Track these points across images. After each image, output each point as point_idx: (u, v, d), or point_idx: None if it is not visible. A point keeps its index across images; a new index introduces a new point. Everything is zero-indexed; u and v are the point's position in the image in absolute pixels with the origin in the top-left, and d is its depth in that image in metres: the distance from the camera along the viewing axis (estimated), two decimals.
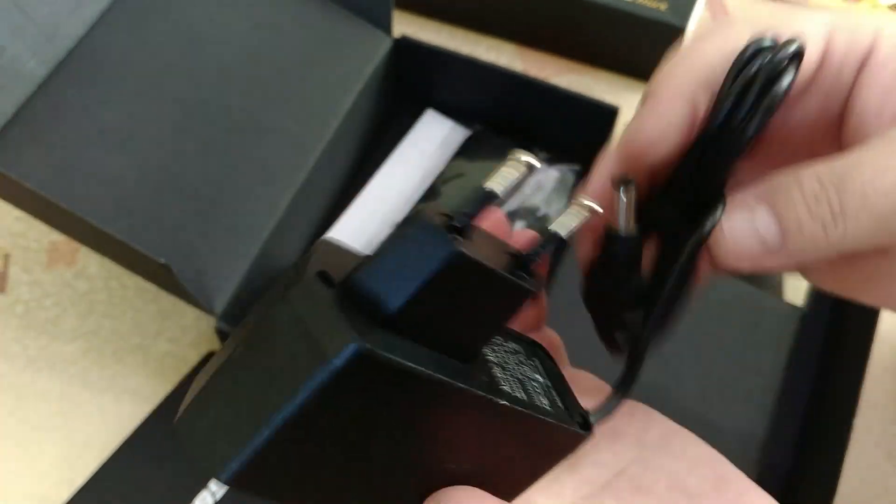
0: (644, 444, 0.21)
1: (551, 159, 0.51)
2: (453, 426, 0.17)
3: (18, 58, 0.38)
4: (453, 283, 0.15)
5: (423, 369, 0.15)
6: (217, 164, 0.42)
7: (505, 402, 0.17)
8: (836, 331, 0.44)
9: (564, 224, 0.17)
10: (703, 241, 0.19)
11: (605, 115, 0.47)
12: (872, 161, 0.18)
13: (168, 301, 0.47)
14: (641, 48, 0.54)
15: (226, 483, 0.14)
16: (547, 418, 0.18)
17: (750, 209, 0.20)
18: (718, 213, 0.19)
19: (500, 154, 0.51)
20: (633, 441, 0.22)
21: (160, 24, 0.43)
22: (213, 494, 0.41)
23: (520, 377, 0.18)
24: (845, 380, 0.40)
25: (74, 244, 0.49)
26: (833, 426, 0.39)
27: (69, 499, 0.41)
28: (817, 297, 0.46)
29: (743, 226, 0.20)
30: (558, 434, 0.18)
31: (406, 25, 0.58)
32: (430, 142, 0.52)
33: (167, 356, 0.46)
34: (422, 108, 0.53)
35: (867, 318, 0.40)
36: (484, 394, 0.16)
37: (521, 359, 0.20)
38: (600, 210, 0.17)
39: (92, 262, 0.49)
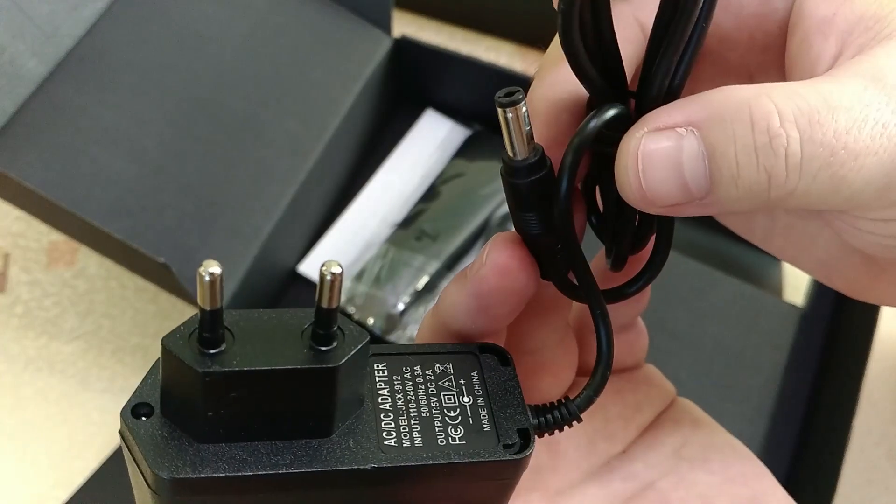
0: (681, 457, 0.20)
1: None
2: (341, 500, 0.16)
3: (18, 58, 0.38)
4: (229, 392, 0.15)
5: (242, 474, 0.15)
6: (217, 164, 0.42)
7: (373, 466, 0.16)
8: (836, 331, 0.44)
9: (322, 294, 0.15)
10: (582, 143, 0.16)
11: None
12: (849, 107, 0.14)
13: (168, 301, 0.47)
14: None
15: None
16: (442, 460, 0.16)
17: (676, 138, 0.14)
18: (612, 111, 0.16)
19: (499, 154, 0.51)
20: (669, 453, 0.20)
21: (160, 24, 0.43)
22: None
23: (425, 415, 0.17)
24: (845, 380, 0.40)
25: (74, 244, 0.49)
26: (833, 426, 0.39)
27: (69, 499, 0.41)
28: (817, 297, 0.46)
29: (662, 161, 0.14)
30: (479, 468, 0.16)
31: (406, 25, 0.58)
32: (429, 142, 0.52)
33: None
34: (422, 108, 0.53)
35: (867, 318, 0.41)
36: (336, 468, 0.16)
37: (445, 383, 0.18)
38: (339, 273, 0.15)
39: (92, 261, 0.49)
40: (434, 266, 0.45)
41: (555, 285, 0.18)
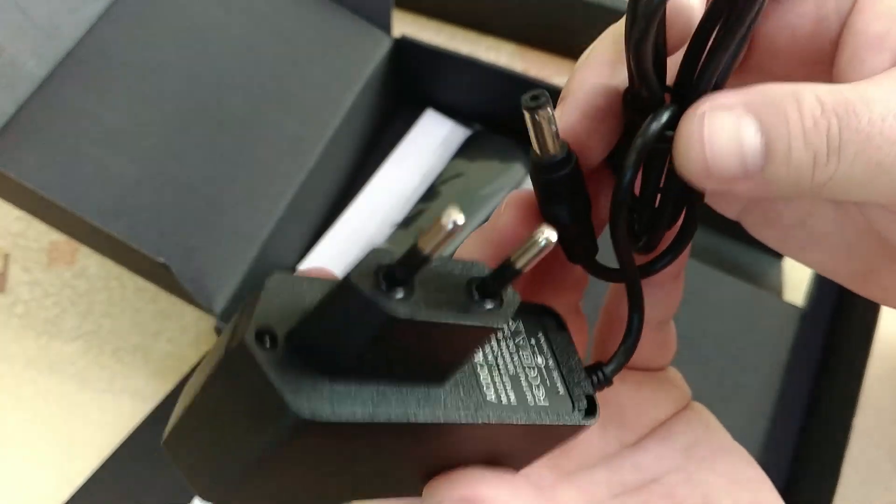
0: (690, 455, 0.21)
1: None
2: (435, 444, 0.17)
3: (18, 58, 0.38)
4: (399, 338, 0.14)
5: (376, 420, 0.15)
6: (217, 164, 0.42)
7: (484, 422, 0.16)
8: (836, 331, 0.44)
9: (523, 257, 0.15)
10: (646, 144, 0.17)
11: None
12: (885, 100, 0.15)
13: (168, 301, 0.47)
14: None
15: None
16: (538, 421, 0.17)
17: (736, 116, 0.16)
18: (667, 113, 0.17)
19: (500, 154, 0.51)
20: (679, 450, 0.21)
21: (160, 24, 0.43)
22: None
23: (512, 372, 0.18)
24: (845, 380, 0.40)
25: (74, 244, 0.49)
26: (833, 426, 0.39)
27: (69, 499, 0.41)
28: (817, 297, 0.46)
29: (724, 134, 0.16)
30: (556, 429, 0.18)
31: (406, 25, 0.58)
32: (429, 142, 0.52)
33: (167, 356, 0.46)
34: (422, 108, 0.53)
35: (867, 318, 0.41)
36: (456, 420, 0.16)
37: (520, 341, 0.18)
38: (555, 241, 0.15)
39: (92, 261, 0.49)
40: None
41: (585, 268, 0.19)
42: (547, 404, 0.17)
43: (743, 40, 0.16)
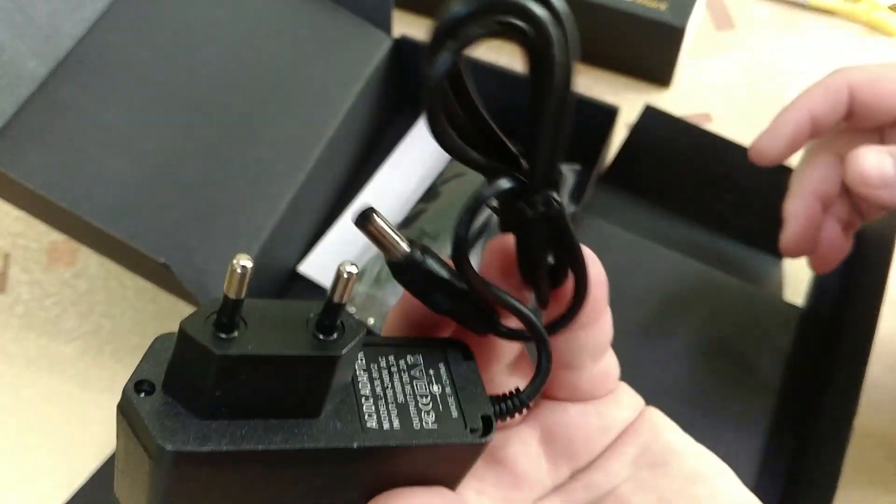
0: (641, 464, 0.21)
1: None
2: (327, 472, 0.18)
3: (18, 58, 0.38)
4: (241, 374, 0.16)
5: (241, 449, 0.16)
6: (217, 164, 0.42)
7: (359, 445, 0.17)
8: (836, 331, 0.44)
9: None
10: (471, 205, 0.18)
11: (605, 115, 0.47)
12: None
13: (168, 301, 0.47)
14: (641, 48, 0.54)
15: None
16: (420, 442, 0.18)
17: (882, 154, 0.30)
18: (502, 184, 0.18)
19: None
20: (629, 461, 0.21)
21: (160, 24, 0.43)
22: None
23: (401, 401, 0.19)
24: (845, 380, 0.40)
25: (74, 244, 0.49)
26: (833, 426, 0.39)
27: (69, 499, 0.41)
28: (817, 297, 0.46)
29: (873, 160, 0.30)
30: (446, 449, 0.18)
31: (406, 25, 0.58)
32: (430, 142, 0.52)
33: None
34: (422, 108, 0.53)
35: (867, 318, 0.40)
36: (325, 446, 0.17)
37: (416, 373, 0.19)
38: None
39: (92, 262, 0.49)
40: None
41: (494, 335, 0.20)
42: (435, 427, 0.18)
43: (558, 122, 0.18)
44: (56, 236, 0.50)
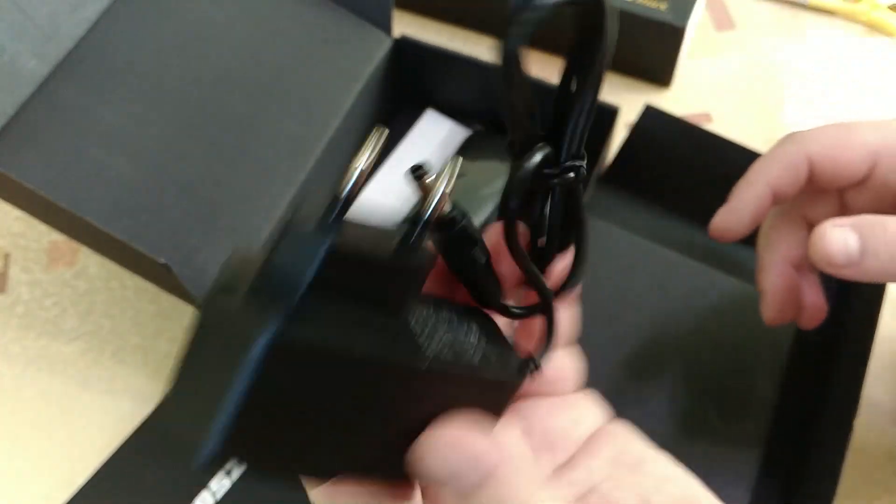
0: (619, 463, 0.23)
1: None
2: (393, 387, 0.18)
3: (18, 58, 0.38)
4: (340, 275, 0.17)
5: (333, 345, 0.17)
6: (217, 164, 0.42)
7: (427, 358, 0.18)
8: (836, 331, 0.44)
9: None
10: (522, 180, 0.20)
11: (605, 115, 0.47)
12: None
13: (168, 301, 0.47)
14: (641, 48, 0.54)
15: (203, 469, 0.17)
16: (476, 372, 0.19)
17: (845, 230, 0.28)
18: (540, 154, 0.20)
19: (500, 154, 0.51)
20: (608, 461, 0.23)
21: (160, 24, 0.43)
22: (213, 494, 0.41)
23: (448, 342, 0.20)
24: (845, 380, 0.40)
25: (74, 244, 0.49)
26: (833, 426, 0.39)
27: (69, 499, 0.41)
28: None
29: (838, 239, 0.28)
30: (494, 385, 0.20)
31: (406, 25, 0.58)
32: (430, 142, 0.52)
33: (167, 356, 0.46)
34: (422, 108, 0.53)
35: (867, 318, 0.40)
36: (407, 359, 0.18)
37: (455, 326, 0.21)
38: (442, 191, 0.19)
39: (92, 262, 0.49)
40: None
41: (495, 311, 0.22)
42: (481, 364, 0.20)
43: (595, 92, 0.21)
44: (56, 236, 0.50)
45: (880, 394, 0.43)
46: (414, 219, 0.18)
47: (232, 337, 0.16)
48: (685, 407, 0.42)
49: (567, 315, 0.24)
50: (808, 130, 0.35)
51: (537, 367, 0.22)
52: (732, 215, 0.35)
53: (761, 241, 0.37)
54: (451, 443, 0.19)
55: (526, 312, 0.22)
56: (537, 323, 0.23)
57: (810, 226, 0.32)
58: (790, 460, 0.41)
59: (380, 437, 0.19)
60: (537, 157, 0.20)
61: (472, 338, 0.21)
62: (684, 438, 0.41)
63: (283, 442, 0.17)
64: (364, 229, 0.18)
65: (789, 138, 0.35)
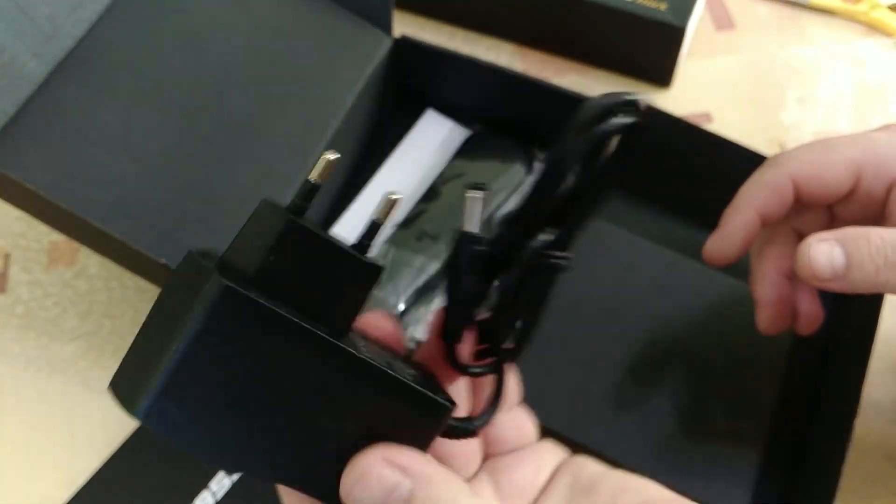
0: (575, 490, 0.24)
1: None
2: (326, 377, 0.19)
3: (18, 58, 0.38)
4: (295, 251, 0.18)
5: (282, 312, 0.18)
6: (217, 165, 0.42)
7: (365, 357, 0.19)
8: (837, 331, 0.44)
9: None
10: (534, 259, 0.21)
11: None
12: None
13: None
14: (641, 48, 0.54)
15: (144, 420, 0.17)
16: (410, 382, 0.20)
17: (830, 244, 0.29)
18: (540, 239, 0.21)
19: (500, 154, 0.51)
20: (564, 490, 0.24)
21: (160, 24, 0.43)
22: (213, 494, 0.41)
23: (384, 358, 0.20)
24: (845, 380, 0.40)
25: (74, 244, 0.49)
26: (833, 426, 0.39)
27: (69, 499, 0.41)
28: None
29: (822, 253, 0.29)
30: (424, 402, 0.20)
31: (406, 25, 0.58)
32: (430, 142, 0.52)
33: None
34: (422, 108, 0.53)
35: (867, 318, 0.40)
36: (344, 346, 0.18)
37: (392, 355, 0.22)
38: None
39: (92, 262, 0.49)
40: (435, 266, 0.45)
41: (446, 353, 0.23)
42: (413, 381, 0.20)
43: (607, 195, 0.22)
44: (56, 236, 0.50)
45: (880, 394, 0.43)
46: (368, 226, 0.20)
47: (186, 295, 0.17)
48: (685, 407, 0.42)
49: (514, 378, 0.25)
50: (790, 151, 0.35)
51: (473, 429, 0.22)
52: (723, 242, 0.36)
53: (754, 253, 0.38)
54: (375, 474, 0.19)
55: (481, 372, 0.23)
56: (485, 383, 0.24)
57: (801, 237, 0.32)
58: (790, 460, 0.41)
59: (308, 444, 0.19)
60: (547, 239, 0.21)
61: (407, 369, 0.21)
62: (684, 439, 0.41)
63: (213, 420, 0.18)
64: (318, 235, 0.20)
65: (772, 161, 0.36)
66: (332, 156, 0.19)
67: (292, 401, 0.18)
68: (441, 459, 0.22)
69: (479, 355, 0.23)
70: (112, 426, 0.44)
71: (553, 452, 0.26)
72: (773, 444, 0.41)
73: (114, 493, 0.41)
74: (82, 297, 0.48)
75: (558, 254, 0.21)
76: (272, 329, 0.18)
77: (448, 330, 0.22)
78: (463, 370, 0.23)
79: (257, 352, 0.18)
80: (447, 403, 0.21)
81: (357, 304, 0.20)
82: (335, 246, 0.19)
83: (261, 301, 0.17)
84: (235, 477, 0.42)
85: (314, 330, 0.18)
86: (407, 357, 0.23)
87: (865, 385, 0.38)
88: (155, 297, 0.19)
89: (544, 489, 0.24)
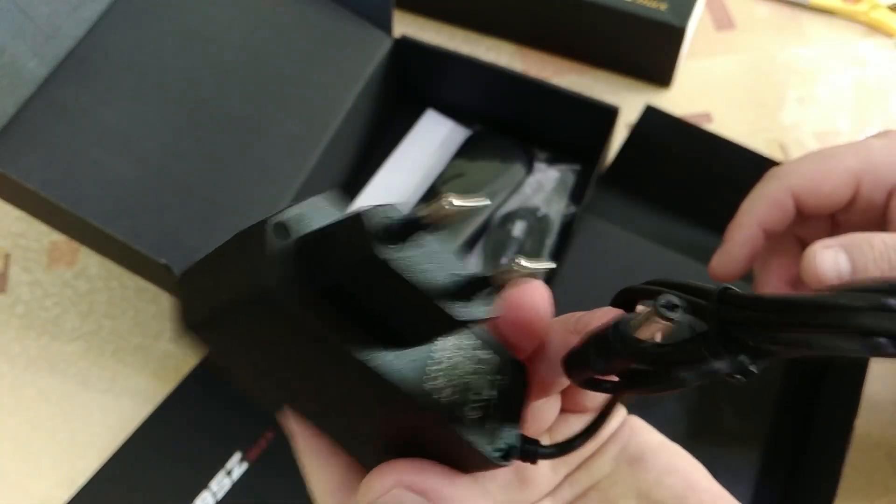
0: (620, 460, 0.23)
1: (551, 159, 0.51)
2: (366, 396, 0.18)
3: (18, 58, 0.38)
4: (374, 280, 0.16)
5: (316, 323, 0.16)
6: (217, 165, 0.42)
7: (408, 393, 0.17)
8: None
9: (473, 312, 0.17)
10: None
11: (605, 115, 0.47)
12: None
13: (168, 301, 0.47)
14: (641, 48, 0.54)
15: (188, 330, 0.17)
16: (458, 432, 0.18)
17: (835, 250, 0.29)
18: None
19: (500, 154, 0.51)
20: (610, 459, 0.23)
21: (160, 24, 0.43)
22: (213, 495, 0.41)
23: (459, 384, 0.19)
24: (845, 380, 0.40)
25: (74, 244, 0.49)
26: (833, 426, 0.39)
27: (69, 499, 0.41)
28: None
29: (828, 259, 0.29)
30: (468, 450, 0.18)
31: (406, 25, 0.58)
32: (430, 142, 0.52)
33: (167, 356, 0.46)
34: (422, 108, 0.53)
35: None
36: (389, 373, 0.17)
37: (482, 369, 0.20)
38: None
39: (92, 262, 0.49)
40: None
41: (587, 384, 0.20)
42: (473, 425, 0.18)
43: None
44: (56, 236, 0.50)
45: (880, 394, 0.43)
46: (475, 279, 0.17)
47: (251, 273, 0.17)
48: (685, 408, 0.42)
49: (620, 415, 0.24)
50: (789, 164, 0.36)
51: (526, 456, 0.20)
52: (728, 258, 0.36)
53: (757, 262, 0.38)
54: (391, 498, 0.18)
55: (597, 387, 0.20)
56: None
57: (803, 245, 0.32)
58: (790, 460, 0.41)
59: (345, 429, 0.19)
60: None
61: (490, 391, 0.19)
62: (684, 438, 0.41)
63: (260, 360, 0.18)
64: (432, 247, 0.17)
65: (772, 175, 0.36)
66: (456, 201, 0.15)
67: (331, 394, 0.18)
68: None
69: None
70: (112, 426, 0.44)
71: (614, 418, 0.24)
72: (773, 444, 0.41)
73: (114, 493, 0.41)
74: (82, 297, 0.48)
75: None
76: (305, 332, 0.17)
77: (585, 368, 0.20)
78: (590, 385, 0.20)
79: (293, 346, 0.17)
80: (495, 458, 0.19)
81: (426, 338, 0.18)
82: (418, 290, 0.16)
83: (299, 309, 0.16)
84: (235, 476, 0.42)
85: (341, 346, 0.17)
86: (504, 363, 0.21)
87: (865, 385, 0.38)
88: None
89: (596, 452, 0.23)
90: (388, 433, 0.19)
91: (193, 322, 0.17)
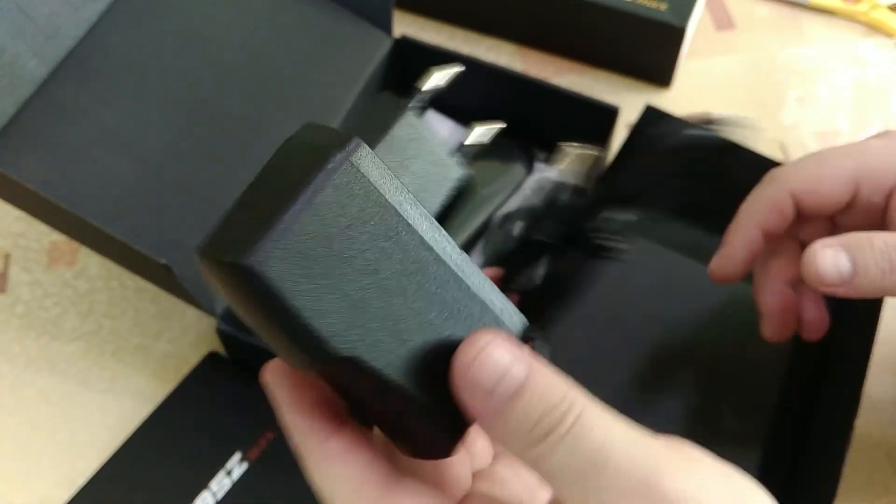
0: None
1: (551, 159, 0.51)
2: (433, 278, 0.20)
3: (18, 58, 0.38)
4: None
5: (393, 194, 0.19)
6: (217, 165, 0.42)
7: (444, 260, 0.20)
8: (837, 331, 0.44)
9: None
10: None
11: (605, 115, 0.47)
12: None
13: (168, 301, 0.47)
14: (641, 48, 0.54)
15: (250, 266, 0.17)
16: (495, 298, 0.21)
17: (836, 250, 0.30)
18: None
19: (500, 154, 0.51)
20: None
21: (160, 24, 0.43)
22: (213, 495, 0.41)
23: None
24: (845, 380, 0.40)
25: (74, 244, 0.49)
26: (833, 426, 0.39)
27: (69, 499, 0.41)
28: None
29: (828, 259, 0.29)
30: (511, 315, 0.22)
31: (406, 25, 0.58)
32: None
33: (167, 356, 0.46)
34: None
35: (867, 318, 0.41)
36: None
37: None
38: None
39: (92, 262, 0.49)
40: None
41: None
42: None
43: None
44: (56, 236, 0.50)
45: (880, 394, 0.43)
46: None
47: (313, 153, 0.18)
48: (686, 407, 0.42)
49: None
50: (787, 167, 0.36)
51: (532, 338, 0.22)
52: (728, 261, 0.36)
53: (757, 263, 0.38)
54: (497, 352, 0.19)
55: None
56: None
57: (803, 246, 0.32)
58: (790, 460, 0.41)
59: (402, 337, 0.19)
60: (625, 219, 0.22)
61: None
62: (685, 438, 0.41)
63: (317, 291, 0.18)
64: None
65: (770, 178, 0.36)
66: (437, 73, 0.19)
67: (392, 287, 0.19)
68: None
69: None
70: (112, 426, 0.44)
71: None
72: (773, 444, 0.41)
73: (114, 493, 0.41)
74: (82, 297, 0.48)
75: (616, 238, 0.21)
76: (377, 204, 0.18)
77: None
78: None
79: (361, 228, 0.18)
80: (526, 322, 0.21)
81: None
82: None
83: (388, 177, 0.18)
84: (235, 476, 0.42)
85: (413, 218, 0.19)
86: None
87: (865, 385, 0.38)
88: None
89: None
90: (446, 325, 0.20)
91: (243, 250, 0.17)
